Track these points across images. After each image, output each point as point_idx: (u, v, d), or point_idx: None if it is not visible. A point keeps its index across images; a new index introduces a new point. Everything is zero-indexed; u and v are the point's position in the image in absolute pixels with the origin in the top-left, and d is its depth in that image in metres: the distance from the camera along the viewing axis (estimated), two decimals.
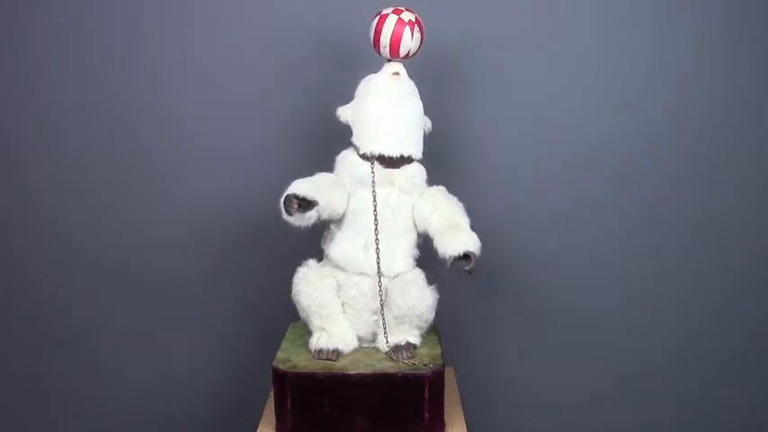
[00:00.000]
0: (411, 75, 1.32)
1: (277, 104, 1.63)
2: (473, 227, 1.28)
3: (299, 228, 1.24)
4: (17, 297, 1.73)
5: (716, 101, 1.62)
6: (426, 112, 1.34)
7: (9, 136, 1.66)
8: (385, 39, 1.28)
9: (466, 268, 1.23)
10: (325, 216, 1.26)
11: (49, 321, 1.73)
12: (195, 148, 1.65)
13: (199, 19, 1.61)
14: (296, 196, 1.21)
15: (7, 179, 1.68)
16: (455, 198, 1.32)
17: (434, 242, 1.27)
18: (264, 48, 1.61)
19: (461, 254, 1.23)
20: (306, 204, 1.21)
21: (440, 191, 1.33)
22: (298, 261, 1.33)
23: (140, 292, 1.71)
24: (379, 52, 1.31)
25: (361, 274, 1.29)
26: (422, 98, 1.32)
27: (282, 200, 1.21)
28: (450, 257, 1.23)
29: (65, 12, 1.60)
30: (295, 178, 1.29)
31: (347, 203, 1.29)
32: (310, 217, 1.23)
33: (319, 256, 1.35)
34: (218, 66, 1.61)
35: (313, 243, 1.35)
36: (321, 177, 1.29)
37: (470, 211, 1.30)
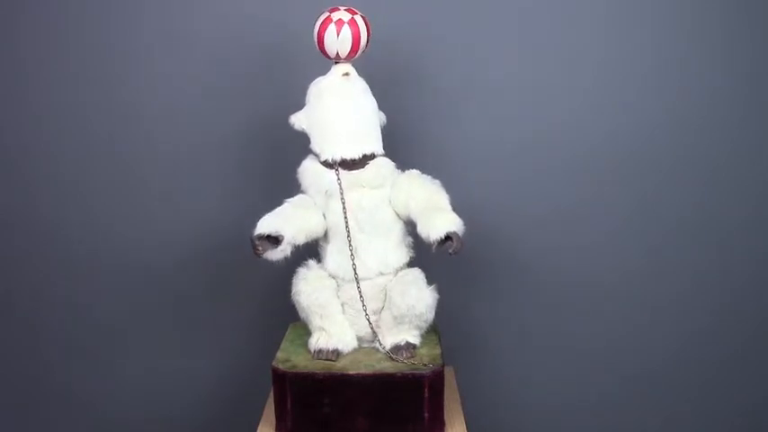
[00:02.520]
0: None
1: (278, 104, 1.62)
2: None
3: (276, 262, 1.25)
4: (17, 297, 1.73)
5: (716, 101, 1.62)
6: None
7: (9, 136, 1.66)
8: (363, 42, 1.27)
9: (450, 251, 1.21)
10: (302, 241, 1.27)
11: (49, 321, 1.73)
12: (195, 148, 1.65)
13: (199, 19, 1.61)
14: (259, 236, 1.22)
15: (7, 179, 1.68)
16: (428, 177, 1.30)
17: (417, 228, 1.26)
18: (265, 48, 1.61)
19: (443, 236, 1.21)
20: (273, 240, 1.22)
21: (411, 175, 1.30)
22: (298, 261, 1.33)
23: (140, 291, 1.71)
24: (350, 57, 1.28)
25: (361, 278, 1.29)
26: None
27: (250, 244, 1.23)
28: (434, 242, 1.22)
29: (64, 12, 1.60)
30: (294, 178, 1.29)
31: (325, 219, 1.29)
32: (283, 250, 1.24)
33: (319, 256, 1.35)
34: (219, 66, 1.61)
35: (313, 243, 1.35)
36: (287, 206, 1.28)
37: (470, 210, 1.29)
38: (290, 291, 1.31)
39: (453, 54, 1.60)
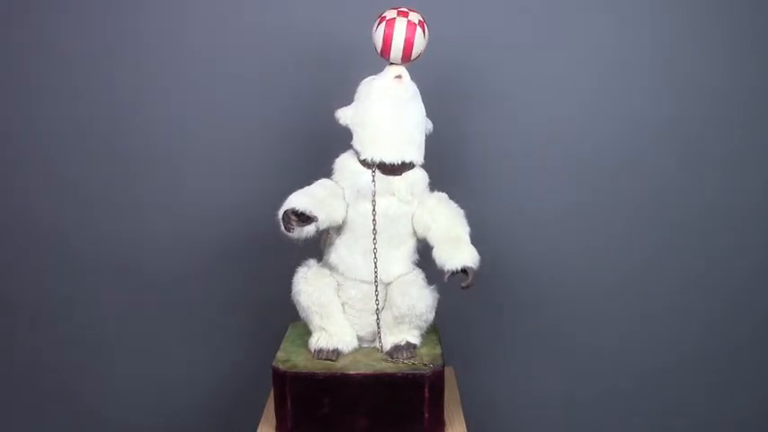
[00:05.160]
0: (412, 76, 1.30)
1: (278, 105, 1.63)
2: (474, 228, 1.28)
3: (297, 240, 1.23)
4: (17, 297, 1.73)
5: (718, 102, 1.62)
6: (426, 115, 1.33)
7: (9, 136, 1.66)
8: (402, 43, 1.23)
9: (463, 285, 1.22)
10: (323, 227, 1.26)
11: (49, 321, 1.73)
12: (195, 148, 1.65)
13: (198, 19, 1.61)
14: (294, 212, 1.20)
15: (7, 179, 1.68)
16: (455, 205, 1.30)
17: (433, 252, 1.26)
18: (266, 48, 1.61)
19: (459, 269, 1.22)
20: (305, 218, 1.21)
21: (440, 199, 1.30)
22: (298, 261, 1.33)
23: (140, 292, 1.71)
24: (389, 57, 1.26)
25: (359, 280, 1.29)
26: (422, 101, 1.31)
27: (281, 215, 1.21)
28: (447, 271, 1.23)
29: (65, 12, 1.60)
30: (294, 178, 1.29)
31: (346, 212, 1.28)
32: (309, 231, 1.22)
33: (319, 256, 1.35)
34: (219, 66, 1.61)
35: (313, 243, 1.35)
36: (319, 189, 1.27)
37: (471, 211, 1.30)
38: (290, 291, 1.31)
39: (452, 55, 1.60)
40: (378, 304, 1.28)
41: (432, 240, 1.27)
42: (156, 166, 1.66)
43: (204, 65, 1.61)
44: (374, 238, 1.26)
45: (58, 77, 1.63)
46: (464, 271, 1.22)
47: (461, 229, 1.27)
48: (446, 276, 1.23)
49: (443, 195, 1.31)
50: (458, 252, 1.23)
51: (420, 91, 1.31)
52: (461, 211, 1.30)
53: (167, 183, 1.67)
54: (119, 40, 1.61)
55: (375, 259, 1.27)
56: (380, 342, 1.30)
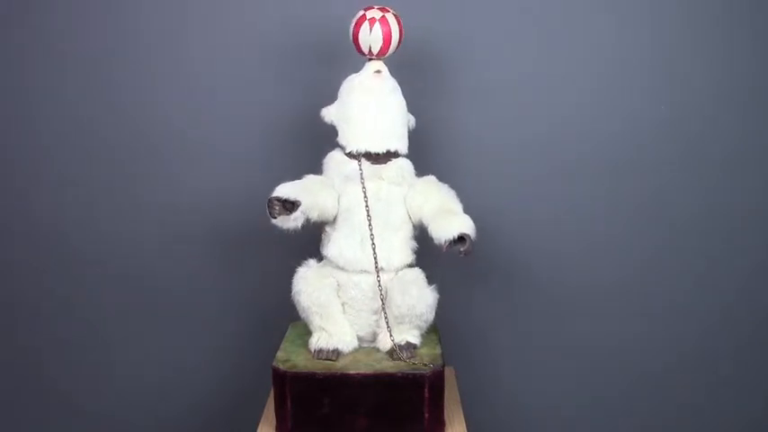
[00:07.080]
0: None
1: (276, 105, 1.63)
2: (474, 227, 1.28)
3: (288, 230, 1.24)
4: (17, 297, 1.72)
5: (718, 102, 1.62)
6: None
7: (9, 136, 1.66)
8: (395, 39, 1.30)
9: (461, 250, 1.23)
10: (314, 217, 1.26)
11: (49, 321, 1.73)
12: (195, 148, 1.65)
13: (198, 19, 1.60)
14: (278, 199, 1.22)
15: (7, 179, 1.68)
16: (446, 185, 1.33)
17: (429, 230, 1.28)
18: (262, 47, 1.60)
19: (456, 237, 1.23)
20: (290, 206, 1.22)
21: (430, 181, 1.33)
22: (298, 261, 1.33)
23: (140, 292, 1.71)
24: (386, 54, 1.31)
25: (360, 271, 1.29)
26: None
27: (267, 203, 1.22)
28: (445, 242, 1.24)
29: (65, 12, 1.60)
30: (293, 178, 1.29)
31: (338, 203, 1.29)
32: (296, 218, 1.23)
33: (319, 255, 1.35)
34: (219, 66, 1.61)
35: (313, 243, 1.35)
36: (307, 179, 1.30)
37: (470, 210, 1.30)
38: (290, 291, 1.31)
39: (451, 54, 1.60)
40: (381, 290, 1.28)
41: (426, 219, 1.29)
42: (156, 166, 1.66)
43: (204, 65, 1.61)
44: (369, 224, 1.27)
45: (58, 77, 1.63)
46: (461, 240, 1.23)
47: (454, 203, 1.30)
48: (445, 247, 1.24)
49: (432, 177, 1.34)
50: (452, 222, 1.25)
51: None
52: (453, 190, 1.32)
53: (167, 183, 1.66)
54: (119, 40, 1.61)
55: (373, 245, 1.27)
56: (389, 329, 1.29)
